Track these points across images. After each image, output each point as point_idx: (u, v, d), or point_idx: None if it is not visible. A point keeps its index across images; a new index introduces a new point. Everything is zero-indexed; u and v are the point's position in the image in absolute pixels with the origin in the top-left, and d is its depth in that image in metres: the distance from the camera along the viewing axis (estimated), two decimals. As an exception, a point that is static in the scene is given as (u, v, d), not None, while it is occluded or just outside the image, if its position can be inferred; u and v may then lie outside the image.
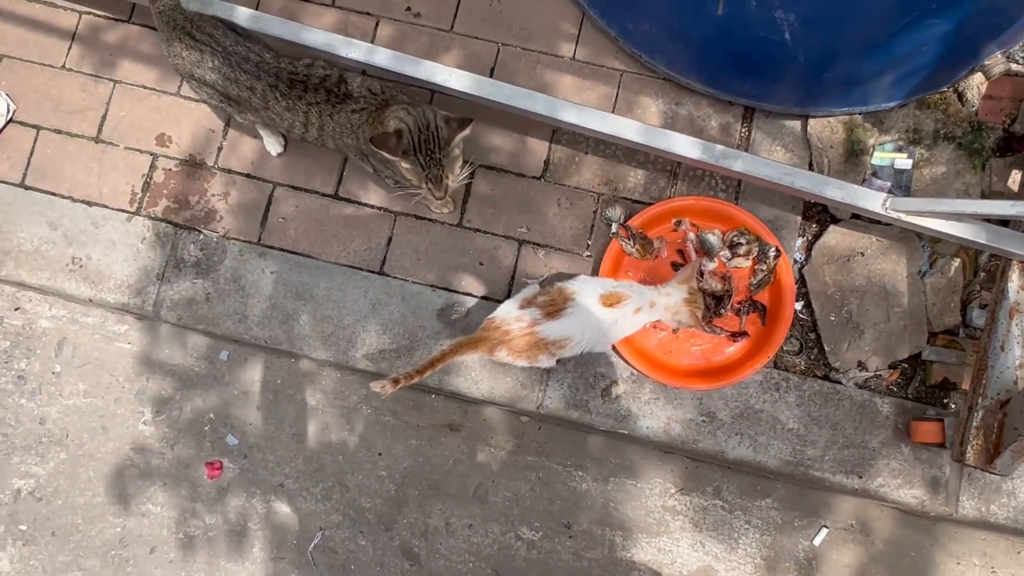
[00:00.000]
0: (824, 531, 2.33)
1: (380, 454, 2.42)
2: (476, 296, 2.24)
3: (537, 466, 2.40)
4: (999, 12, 1.70)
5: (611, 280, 2.00)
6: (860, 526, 2.33)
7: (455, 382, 2.22)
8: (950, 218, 1.89)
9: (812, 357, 2.22)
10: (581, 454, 2.39)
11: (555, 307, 1.89)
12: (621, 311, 1.92)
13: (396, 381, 1.87)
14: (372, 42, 2.31)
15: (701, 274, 2.17)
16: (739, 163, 1.94)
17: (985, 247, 1.92)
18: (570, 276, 2.18)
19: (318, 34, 2.03)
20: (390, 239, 2.26)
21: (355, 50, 2.04)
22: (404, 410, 2.43)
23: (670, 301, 1.96)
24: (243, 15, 2.05)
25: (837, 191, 1.92)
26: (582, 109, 1.98)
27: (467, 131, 1.82)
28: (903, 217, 1.91)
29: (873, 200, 1.92)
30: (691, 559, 2.34)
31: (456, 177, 1.88)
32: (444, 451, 2.41)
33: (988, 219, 2.02)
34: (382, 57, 2.04)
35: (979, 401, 1.91)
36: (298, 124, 1.91)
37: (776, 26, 1.71)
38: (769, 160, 1.93)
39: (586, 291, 1.92)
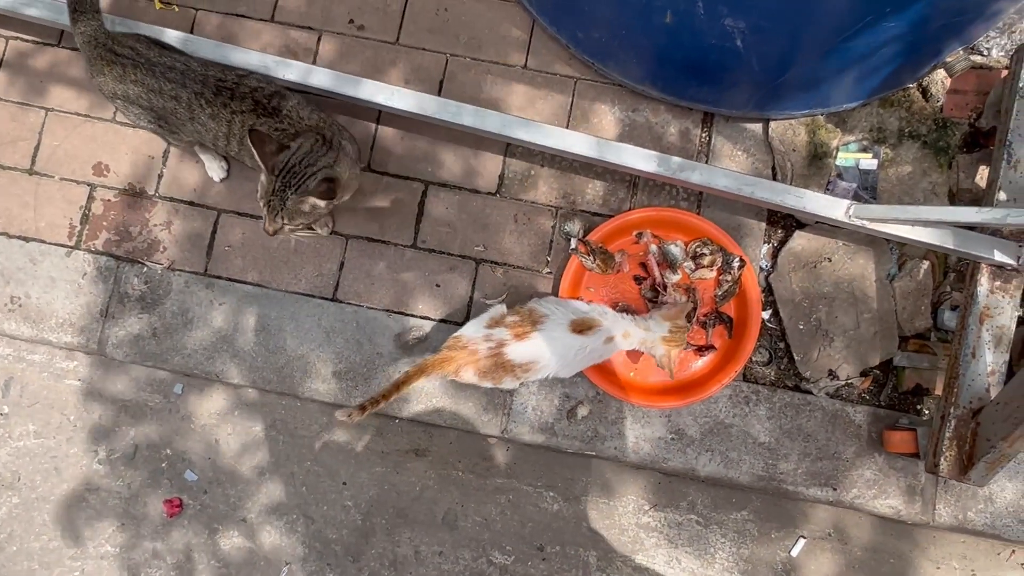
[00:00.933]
0: (802, 541, 2.28)
1: (345, 483, 2.34)
2: (434, 319, 2.16)
3: (507, 488, 2.33)
4: (959, 12, 1.63)
5: (585, 304, 1.93)
6: (838, 534, 2.29)
7: (415, 409, 2.14)
8: (916, 224, 1.83)
9: (782, 367, 2.16)
10: (551, 474, 2.32)
11: (523, 329, 1.82)
12: (592, 339, 1.85)
13: (363, 408, 1.79)
14: (314, 58, 2.23)
15: (664, 287, 2.10)
16: (696, 175, 1.86)
17: (953, 252, 1.86)
18: (537, 295, 2.11)
19: (251, 55, 1.94)
20: (342, 264, 2.18)
21: (291, 71, 1.95)
22: (368, 437, 2.35)
23: (648, 336, 1.89)
24: (172, 36, 1.96)
25: (798, 200, 1.85)
26: (533, 125, 1.90)
27: (320, 203, 1.72)
28: (867, 225, 1.85)
29: (836, 208, 1.85)
30: (667, 576, 2.29)
31: (289, 226, 1.76)
32: (411, 477, 2.34)
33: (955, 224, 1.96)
34: (320, 77, 1.95)
35: (951, 411, 1.86)
36: (221, 135, 1.82)
37: (727, 34, 1.63)
38: (727, 171, 1.86)
39: (557, 314, 1.85)
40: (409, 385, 1.80)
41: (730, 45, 1.69)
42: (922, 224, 1.78)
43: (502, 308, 1.94)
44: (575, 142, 1.86)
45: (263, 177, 1.70)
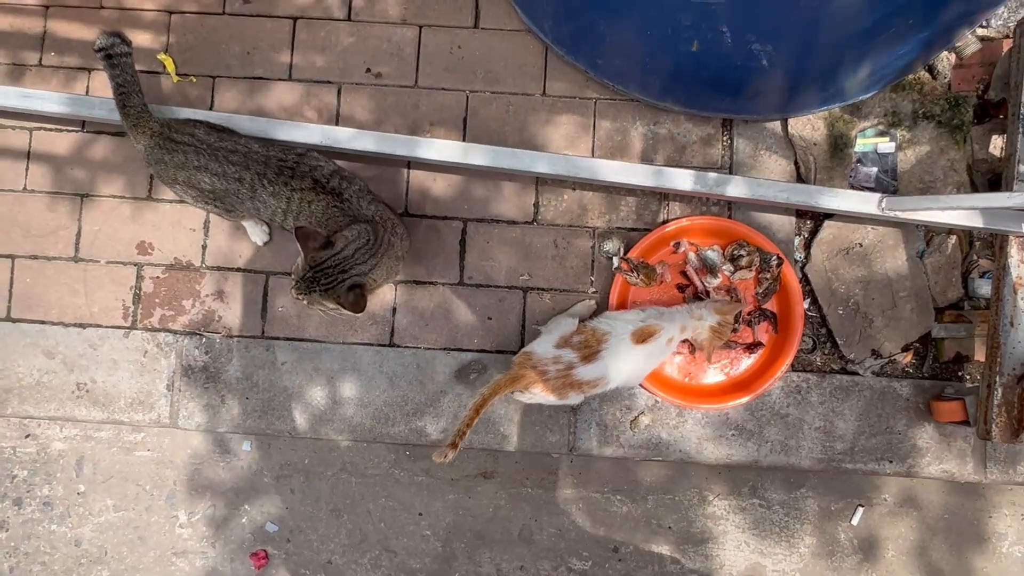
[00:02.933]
0: (860, 510, 2.40)
1: (421, 514, 2.44)
2: (490, 351, 2.24)
3: (576, 498, 2.43)
4: (978, 8, 1.70)
5: (639, 312, 2.01)
6: (893, 499, 2.41)
7: (482, 439, 2.23)
8: (947, 209, 1.91)
9: (827, 353, 2.26)
10: (617, 479, 2.43)
11: (590, 349, 1.91)
12: (654, 344, 1.94)
13: (454, 444, 1.86)
14: (337, 111, 2.27)
15: (707, 292, 2.18)
16: (732, 188, 1.94)
17: (984, 230, 1.95)
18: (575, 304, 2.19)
19: (290, 128, 1.99)
20: (394, 309, 2.24)
21: (336, 137, 1.99)
22: (436, 467, 2.44)
23: (700, 324, 1.98)
24: (213, 117, 1.99)
25: (833, 200, 1.93)
26: (569, 160, 1.96)
27: (346, 311, 1.74)
28: (900, 215, 1.93)
29: (869, 203, 1.93)
30: (739, 559, 2.40)
31: (311, 303, 1.78)
32: (483, 500, 2.44)
33: (972, 186, 2.04)
34: (365, 142, 2.00)
35: (996, 379, 1.96)
36: (279, 211, 1.87)
37: (753, 55, 1.69)
38: (762, 180, 1.94)
39: (617, 329, 1.93)
40: (487, 405, 1.88)
41: (755, 64, 1.75)
42: (955, 210, 1.86)
43: (572, 323, 2.00)
44: (614, 171, 1.93)
45: (299, 259, 1.76)
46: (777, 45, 1.64)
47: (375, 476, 2.44)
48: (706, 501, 2.42)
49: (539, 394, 1.93)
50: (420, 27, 2.30)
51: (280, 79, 2.30)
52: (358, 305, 1.71)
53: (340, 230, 1.79)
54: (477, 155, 1.92)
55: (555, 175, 1.96)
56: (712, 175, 1.93)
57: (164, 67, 2.28)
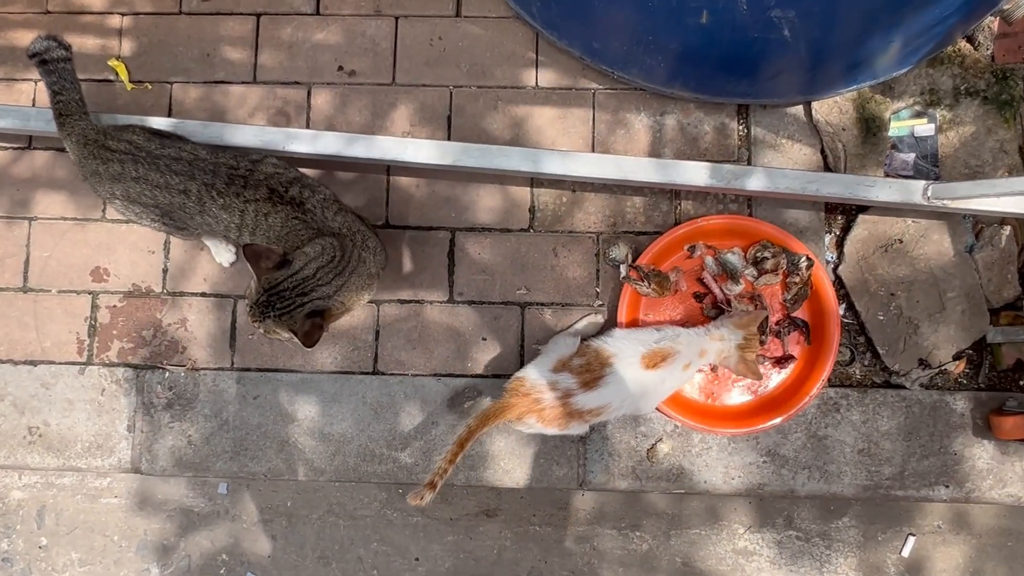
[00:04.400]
0: (911, 539, 2.13)
1: (417, 559, 2.19)
2: (486, 376, 1.99)
3: (589, 535, 2.18)
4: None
5: (654, 331, 1.75)
6: (948, 526, 2.14)
7: (483, 476, 1.98)
8: (1004, 195, 1.65)
9: (867, 364, 2.00)
10: (634, 513, 2.17)
11: (592, 374, 1.66)
12: (668, 370, 1.69)
13: (432, 485, 1.63)
14: (308, 114, 2.05)
15: (728, 301, 1.93)
16: (754, 180, 1.69)
17: (1046, 218, 1.69)
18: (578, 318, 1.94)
19: (247, 131, 1.76)
20: (377, 332, 2.01)
21: (297, 141, 1.76)
22: (432, 506, 2.19)
23: (723, 346, 1.73)
24: (158, 123, 1.77)
25: (870, 190, 1.68)
26: (566, 156, 1.73)
27: (295, 339, 1.51)
28: (948, 204, 1.67)
29: (912, 192, 1.68)
30: (775, 600, 2.13)
31: (267, 331, 1.56)
32: (486, 541, 2.18)
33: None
34: (327, 142, 1.77)
35: (1070, 389, 1.69)
36: (233, 226, 1.63)
37: (773, 25, 1.46)
38: (787, 170, 1.69)
39: (626, 352, 1.68)
40: (472, 440, 1.65)
41: (776, 36, 1.51)
42: (1012, 195, 1.61)
43: (570, 345, 1.76)
44: (619, 167, 1.69)
45: (252, 281, 1.52)
46: (801, 10, 1.40)
47: (366, 518, 2.19)
48: (736, 535, 2.16)
49: (535, 425, 1.68)
50: (396, 18, 2.08)
51: (244, 82, 2.07)
52: (311, 337, 1.48)
53: (303, 246, 1.55)
54: (451, 154, 1.69)
55: (542, 174, 1.73)
56: (729, 167, 1.68)
57: (117, 74, 2.07)
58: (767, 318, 1.91)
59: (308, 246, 1.53)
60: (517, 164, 1.69)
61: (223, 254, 1.98)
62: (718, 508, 2.15)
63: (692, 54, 1.71)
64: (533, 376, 1.70)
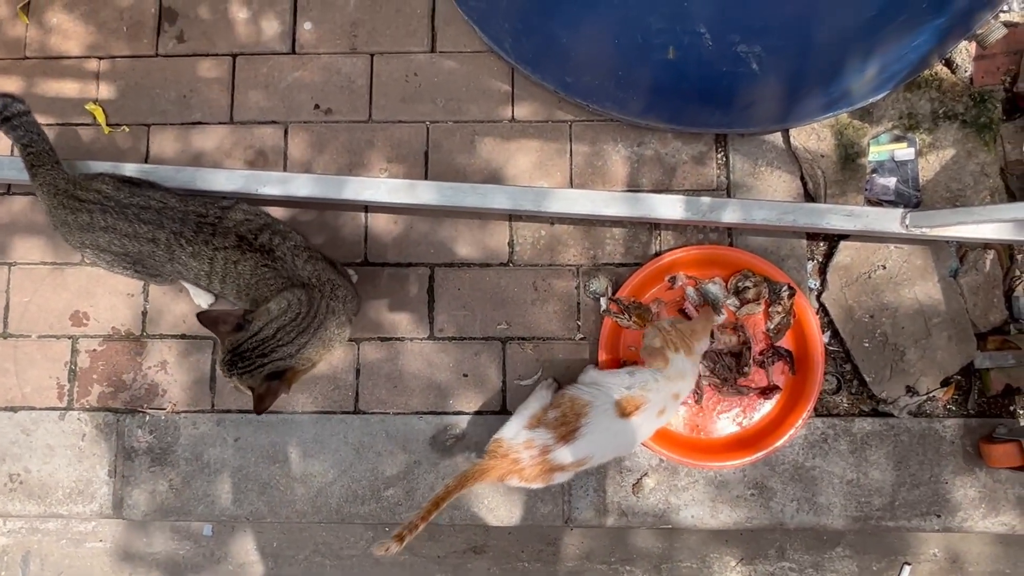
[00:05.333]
0: (907, 568, 2.08)
1: (405, 598, 2.15)
2: (468, 413, 1.97)
3: (579, 571, 2.14)
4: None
5: (624, 376, 1.72)
6: (944, 554, 2.09)
7: (467, 514, 1.95)
8: (983, 222, 1.63)
9: (853, 392, 1.97)
10: (624, 548, 2.13)
11: (568, 427, 1.63)
12: (643, 416, 1.66)
13: (400, 537, 1.60)
14: (285, 154, 2.04)
15: (711, 333, 1.91)
16: (729, 213, 1.67)
17: (1027, 243, 1.66)
18: (571, 363, 1.92)
19: (219, 175, 1.75)
20: (358, 371, 1.99)
21: (269, 184, 1.75)
22: (419, 544, 2.16)
23: (690, 370, 1.70)
24: (130, 170, 1.77)
25: (847, 219, 1.66)
26: (538, 192, 1.71)
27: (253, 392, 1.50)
28: (928, 232, 1.65)
29: (889, 220, 1.66)
30: (770, 634, 2.09)
31: (236, 386, 1.54)
32: (474, 578, 2.15)
33: (1008, 194, 1.77)
34: (301, 185, 1.76)
35: (1058, 417, 1.66)
36: (203, 274, 1.62)
37: (741, 59, 1.44)
38: (763, 201, 1.67)
39: (600, 400, 1.65)
40: (449, 499, 1.61)
41: (744, 70, 1.50)
42: (992, 223, 1.58)
43: (545, 395, 1.74)
44: (589, 202, 1.67)
45: (221, 351, 1.51)
46: (766, 45, 1.39)
47: (352, 557, 2.17)
48: (728, 567, 2.12)
49: (518, 484, 1.65)
50: (372, 55, 2.08)
51: (221, 123, 2.07)
52: (262, 402, 1.45)
53: (274, 295, 1.54)
54: (425, 193, 1.68)
55: (514, 210, 1.72)
56: (705, 200, 1.66)
57: (94, 118, 2.07)
58: (748, 337, 1.88)
59: (273, 302, 1.51)
60: (487, 202, 1.68)
61: (202, 296, 1.97)
62: (709, 540, 2.12)
63: (663, 87, 1.70)
64: (509, 436, 1.67)
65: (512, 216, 1.99)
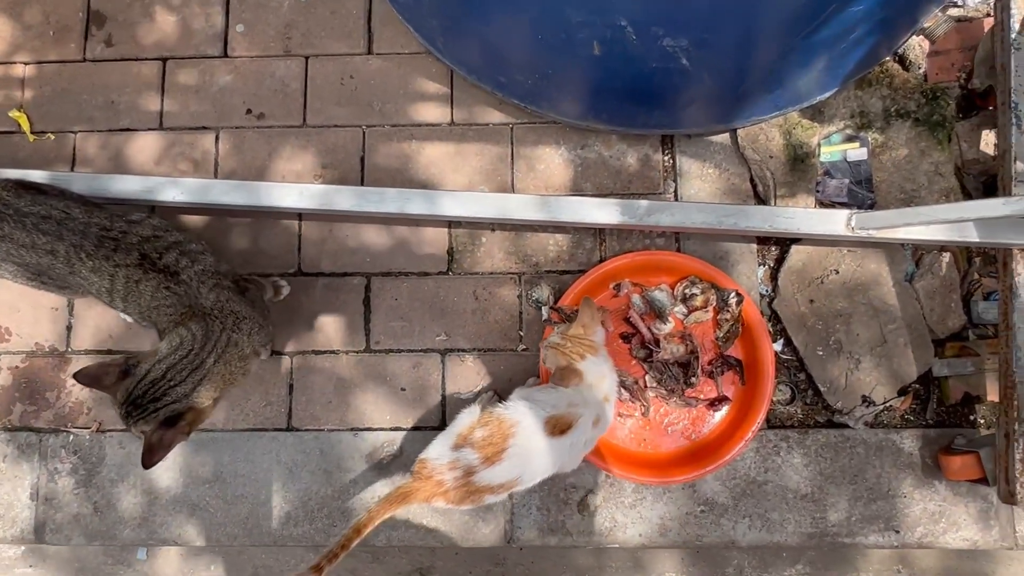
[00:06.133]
0: (869, 586, 2.00)
1: (348, 623, 2.06)
2: (405, 428, 1.89)
3: (529, 592, 2.05)
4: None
5: (552, 391, 1.63)
6: (908, 570, 2.01)
7: (405, 535, 1.86)
8: (930, 223, 1.55)
9: (808, 403, 1.89)
10: (575, 567, 2.04)
11: (494, 447, 1.53)
12: (577, 433, 1.56)
13: (319, 568, 1.49)
14: (215, 160, 1.96)
15: (657, 341, 1.83)
16: (667, 216, 1.59)
17: (979, 245, 1.59)
18: (511, 377, 1.84)
19: (131, 181, 1.67)
20: (291, 386, 1.90)
21: (179, 190, 1.67)
22: (362, 566, 2.07)
23: (607, 367, 1.61)
24: (39, 176, 1.69)
25: (790, 221, 1.59)
26: (468, 196, 1.63)
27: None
28: (875, 234, 1.57)
29: (835, 222, 1.58)
30: (728, 656, 2.00)
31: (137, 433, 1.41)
32: (420, 602, 2.06)
33: (964, 193, 1.70)
34: (218, 191, 1.68)
35: (1016, 427, 1.58)
36: (104, 290, 1.51)
37: (669, 55, 1.37)
38: (702, 204, 1.60)
39: (528, 419, 1.55)
40: (373, 525, 1.52)
41: (674, 65, 1.42)
42: (939, 223, 1.51)
43: (473, 413, 1.65)
44: (518, 206, 1.59)
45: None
46: (693, 39, 1.32)
47: (292, 581, 2.07)
48: (684, 587, 2.03)
49: (445, 506, 1.56)
50: (306, 58, 2.00)
51: (150, 128, 2.00)
52: (151, 455, 1.32)
53: (171, 327, 1.44)
54: (343, 198, 1.60)
55: (436, 216, 1.64)
56: (642, 203, 1.59)
57: (19, 125, 1.99)
58: (695, 347, 1.80)
59: (164, 340, 1.42)
60: (408, 207, 1.60)
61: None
62: (665, 558, 2.03)
63: (596, 86, 1.62)
64: (434, 456, 1.57)
65: (451, 223, 1.92)
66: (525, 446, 1.53)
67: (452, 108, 1.97)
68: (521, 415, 1.56)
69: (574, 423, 1.55)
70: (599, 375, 1.56)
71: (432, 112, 1.97)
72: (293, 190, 1.64)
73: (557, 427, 1.54)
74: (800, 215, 1.58)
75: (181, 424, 1.37)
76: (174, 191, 1.65)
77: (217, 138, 1.99)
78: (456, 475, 1.53)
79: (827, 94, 1.78)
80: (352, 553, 2.04)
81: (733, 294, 1.79)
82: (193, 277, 1.47)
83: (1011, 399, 1.60)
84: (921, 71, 1.91)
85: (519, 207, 1.58)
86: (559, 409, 1.56)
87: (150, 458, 1.32)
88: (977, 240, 1.57)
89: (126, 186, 1.65)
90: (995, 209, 1.39)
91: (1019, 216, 1.37)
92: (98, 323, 1.94)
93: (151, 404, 1.34)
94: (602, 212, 1.59)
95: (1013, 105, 1.66)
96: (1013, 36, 1.66)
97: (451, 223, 1.91)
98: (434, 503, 1.57)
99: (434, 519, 1.86)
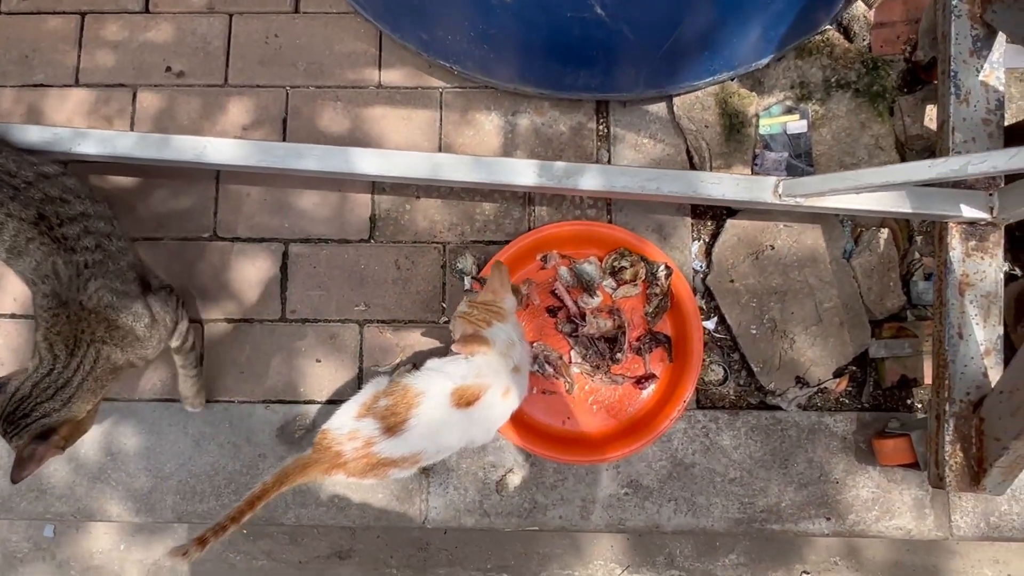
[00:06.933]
0: (805, 578, 1.92)
1: (261, 608, 1.97)
2: (320, 402, 1.80)
3: (451, 579, 1.97)
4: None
5: (462, 362, 1.54)
6: (845, 562, 1.93)
7: (314, 513, 1.77)
8: (860, 191, 1.48)
9: (741, 383, 1.81)
10: (501, 553, 1.96)
11: (396, 418, 1.45)
12: (485, 405, 1.48)
13: (203, 540, 1.40)
14: (132, 119, 1.87)
15: (583, 315, 1.75)
16: (587, 179, 1.52)
17: (912, 216, 1.52)
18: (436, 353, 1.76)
19: (31, 131, 1.58)
20: (200, 355, 1.81)
21: (85, 142, 1.58)
22: (279, 548, 1.98)
23: (516, 335, 1.52)
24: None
25: (716, 187, 1.51)
26: (380, 154, 1.55)
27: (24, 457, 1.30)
28: (803, 203, 1.50)
29: (762, 189, 1.51)
30: (657, 649, 1.92)
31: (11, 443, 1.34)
32: (337, 586, 1.97)
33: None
34: (125, 143, 1.59)
35: (946, 408, 1.51)
36: None
37: (582, 2, 1.29)
38: (625, 168, 1.52)
39: (434, 389, 1.47)
40: (268, 497, 1.43)
41: (590, 16, 1.35)
42: (867, 190, 1.44)
43: (381, 382, 1.57)
44: (436, 164, 1.51)
45: None
46: (604, -19, 1.24)
47: (205, 562, 1.98)
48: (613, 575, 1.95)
49: (347, 480, 1.47)
50: (230, 15, 1.93)
51: (65, 85, 1.92)
52: (20, 469, 1.26)
53: (40, 324, 1.35)
54: (252, 154, 1.53)
55: (348, 174, 1.55)
56: (561, 164, 1.51)
57: (-72, 79, 1.90)
58: (623, 322, 1.72)
59: (33, 357, 1.34)
60: (315, 164, 1.52)
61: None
62: (592, 545, 1.95)
63: (516, 43, 1.55)
64: (336, 425, 1.49)
65: (375, 188, 1.84)
66: (429, 418, 1.45)
67: (380, 71, 1.89)
68: (427, 385, 1.49)
69: (481, 394, 1.47)
70: (507, 343, 1.48)
71: (360, 74, 1.89)
72: (202, 143, 1.55)
73: (463, 398, 1.46)
74: (726, 181, 1.50)
75: (54, 438, 1.30)
76: (79, 142, 1.56)
77: (135, 96, 1.91)
78: (356, 446, 1.45)
79: (764, 60, 1.72)
80: (269, 534, 1.97)
81: (662, 267, 1.71)
82: (83, 265, 1.36)
83: (943, 379, 1.53)
84: (865, 43, 1.84)
85: (437, 165, 1.50)
86: (466, 380, 1.48)
87: (19, 472, 1.26)
88: (910, 211, 1.49)
89: (27, 136, 1.56)
90: (921, 172, 1.32)
91: (947, 179, 1.30)
92: (2, 285, 1.85)
93: (22, 420, 1.27)
94: (519, 172, 1.51)
95: (952, 74, 1.59)
96: (954, 2, 1.60)
97: (375, 189, 1.84)
98: (334, 476, 1.48)
99: (347, 492, 1.77)
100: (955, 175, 1.27)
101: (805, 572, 1.93)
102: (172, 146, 1.54)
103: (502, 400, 1.50)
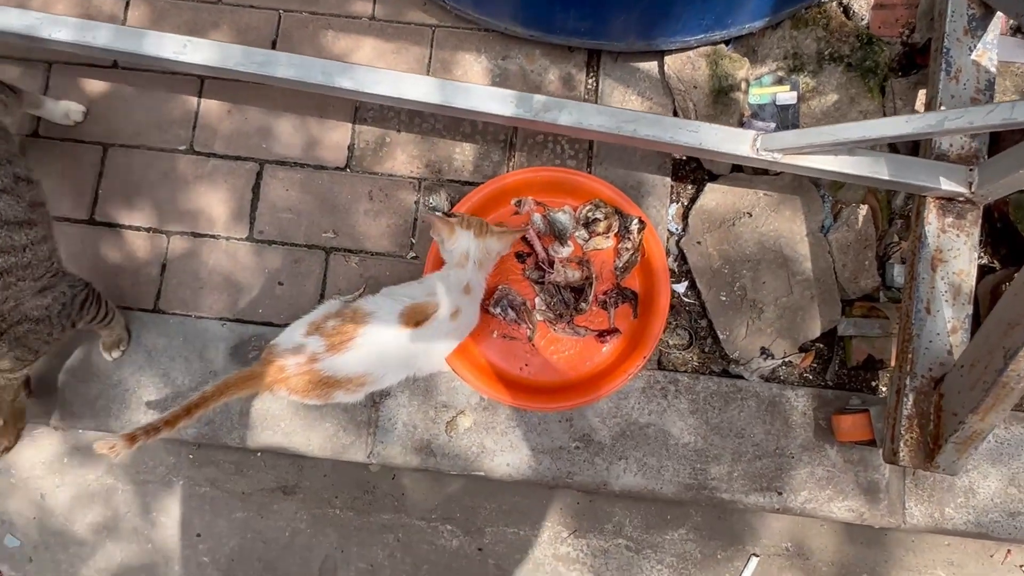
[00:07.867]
0: (754, 560, 1.88)
1: (199, 535, 1.93)
2: (277, 325, 1.77)
3: (394, 525, 1.93)
4: None
5: (415, 285, 1.53)
6: (796, 548, 1.89)
7: (259, 437, 1.74)
8: (839, 151, 1.46)
9: (705, 350, 1.78)
10: (447, 504, 1.92)
11: (342, 336, 1.43)
12: (435, 325, 1.46)
13: (132, 438, 1.36)
14: (124, 21, 1.85)
15: (551, 263, 1.72)
16: (565, 115, 1.49)
17: (889, 184, 1.49)
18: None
19: (10, 13, 1.56)
20: (164, 266, 1.79)
21: (64, 30, 1.57)
22: (224, 477, 1.94)
23: (479, 255, 1.53)
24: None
25: (693, 136, 1.49)
26: (360, 70, 1.53)
27: None
28: (780, 159, 1.48)
29: (740, 142, 1.48)
30: (595, 618, 1.87)
31: None
32: (279, 521, 1.93)
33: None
34: (101, 35, 1.57)
35: (907, 381, 1.47)
36: None
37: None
38: (603, 107, 1.49)
39: (383, 311, 1.46)
40: (207, 407, 1.40)
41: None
42: (844, 147, 1.42)
43: (335, 304, 1.55)
44: (408, 86, 1.49)
45: None
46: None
47: (148, 484, 1.95)
48: (559, 539, 1.91)
49: (288, 397, 1.45)
50: (231, -66, 1.92)
51: (60, -12, 1.90)
52: None
53: None
54: (229, 57, 1.51)
55: (316, 86, 1.53)
56: (539, 98, 1.49)
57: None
58: (592, 274, 1.69)
59: None
60: (291, 73, 1.50)
61: None
62: (541, 505, 1.91)
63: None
64: (283, 340, 1.47)
65: (356, 117, 1.82)
66: (377, 338, 1.43)
67: (375, 2, 1.88)
68: (377, 307, 1.48)
69: (431, 313, 1.44)
70: (464, 252, 1.50)
71: (354, 5, 1.88)
72: (178, 41, 1.54)
73: (412, 317, 1.44)
74: (704, 129, 1.48)
75: None
76: (56, 29, 1.54)
77: (127, 5, 1.90)
78: (299, 361, 1.43)
79: (758, 24, 1.70)
80: (215, 462, 1.94)
81: (636, 220, 1.69)
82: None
83: (907, 352, 1.49)
84: (864, 22, 1.83)
85: (412, 85, 1.48)
86: (416, 299, 1.46)
87: None
88: (888, 177, 1.47)
89: (7, 19, 1.54)
90: (899, 127, 1.30)
91: (922, 135, 1.27)
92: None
93: None
94: (496, 102, 1.49)
95: (945, 51, 1.58)
96: (953, -21, 1.58)
97: (356, 118, 1.82)
98: (276, 391, 1.46)
99: (293, 423, 1.74)
100: (932, 130, 1.25)
101: (754, 554, 1.88)
102: (150, 40, 1.52)
103: (451, 322, 1.48)
